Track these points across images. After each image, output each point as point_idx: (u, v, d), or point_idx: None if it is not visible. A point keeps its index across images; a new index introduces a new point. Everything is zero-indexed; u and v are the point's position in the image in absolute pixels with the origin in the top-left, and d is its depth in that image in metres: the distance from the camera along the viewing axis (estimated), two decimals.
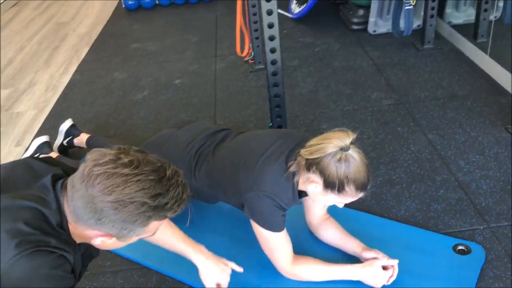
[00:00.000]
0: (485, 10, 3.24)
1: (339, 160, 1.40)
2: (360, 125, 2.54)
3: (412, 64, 3.14)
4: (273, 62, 2.09)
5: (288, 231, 1.62)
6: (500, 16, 3.39)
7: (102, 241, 1.10)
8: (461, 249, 1.75)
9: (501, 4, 3.40)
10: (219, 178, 1.68)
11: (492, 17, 3.28)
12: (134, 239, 1.12)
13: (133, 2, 4.74)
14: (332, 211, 1.75)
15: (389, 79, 2.98)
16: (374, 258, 1.64)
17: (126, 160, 1.03)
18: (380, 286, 1.61)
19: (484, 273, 1.66)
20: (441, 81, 2.91)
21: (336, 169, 1.40)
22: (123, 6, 4.79)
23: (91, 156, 1.05)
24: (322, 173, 1.43)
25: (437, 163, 2.21)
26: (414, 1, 3.21)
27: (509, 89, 2.70)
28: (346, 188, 1.42)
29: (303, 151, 1.49)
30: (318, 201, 1.60)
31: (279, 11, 4.09)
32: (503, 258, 1.71)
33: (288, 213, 1.60)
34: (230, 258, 1.61)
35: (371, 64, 3.19)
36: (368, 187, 1.47)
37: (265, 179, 1.54)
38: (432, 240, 1.81)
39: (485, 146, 2.29)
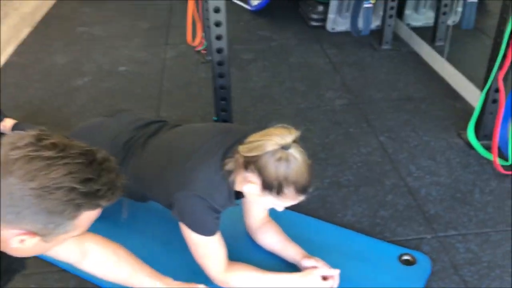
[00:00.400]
0: (444, 14, 3.20)
1: (279, 159, 1.26)
2: (312, 124, 2.42)
3: (369, 64, 3.05)
4: (219, 51, 1.93)
5: (222, 234, 1.48)
6: (459, 21, 3.36)
7: (21, 240, 0.89)
8: (406, 259, 1.64)
9: (460, 9, 3.37)
10: (146, 174, 1.51)
11: (450, 22, 3.24)
12: (61, 238, 0.94)
13: None
14: (273, 213, 1.62)
15: (344, 78, 2.88)
16: (314, 266, 1.51)
17: (48, 142, 0.88)
18: None
19: (428, 285, 1.56)
20: (397, 82, 2.83)
21: (275, 169, 1.26)
22: None
23: (6, 139, 0.88)
24: (260, 172, 1.29)
25: (387, 167, 2.11)
26: (374, 0, 3.13)
27: (464, 95, 2.64)
28: (285, 190, 1.29)
29: (241, 148, 1.34)
30: (256, 203, 1.46)
31: (237, 1, 3.97)
32: (449, 269, 1.62)
33: (224, 215, 1.45)
34: (161, 264, 1.46)
35: (327, 62, 3.08)
36: (310, 190, 1.34)
37: (197, 177, 1.38)
38: (377, 248, 1.70)
39: (437, 152, 2.21)
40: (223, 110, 2.12)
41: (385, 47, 3.23)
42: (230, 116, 2.14)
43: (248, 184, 1.33)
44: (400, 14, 3.43)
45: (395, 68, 2.99)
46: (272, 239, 1.65)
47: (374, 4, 3.13)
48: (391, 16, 3.14)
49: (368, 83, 2.82)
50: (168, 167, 1.45)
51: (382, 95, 2.69)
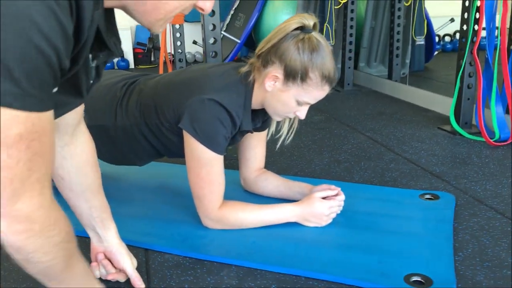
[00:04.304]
0: (397, 64, 3.46)
1: (302, 40, 1.23)
2: (296, 131, 2.39)
3: (336, 98, 3.16)
4: None
5: None
6: (409, 67, 3.64)
7: None
8: (428, 198, 1.56)
9: (407, 61, 3.68)
10: (153, 101, 1.37)
11: (401, 73, 3.51)
12: None
13: None
14: None
15: (316, 105, 2.93)
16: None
17: None
18: (325, 223, 1.36)
19: (458, 213, 1.47)
20: (366, 105, 2.93)
21: (298, 50, 1.22)
22: None
23: None
24: (282, 59, 1.24)
25: (381, 149, 2.09)
26: (333, 41, 3.35)
27: (433, 108, 2.76)
28: (311, 75, 1.23)
29: (256, 51, 1.31)
30: (276, 107, 1.32)
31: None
32: (474, 202, 1.54)
33: None
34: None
35: None
36: (334, 82, 1.28)
37: (210, 80, 1.30)
38: (396, 193, 1.61)
39: (424, 138, 2.23)
40: None
41: (347, 88, 3.39)
42: None
43: (270, 80, 1.27)
44: (354, 66, 3.68)
45: (361, 99, 3.11)
46: (276, 182, 1.55)
47: (333, 45, 3.35)
48: (350, 59, 3.35)
49: (339, 107, 2.89)
50: (179, 84, 1.35)
51: (355, 113, 2.75)
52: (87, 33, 0.69)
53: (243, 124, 1.35)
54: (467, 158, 1.95)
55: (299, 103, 1.29)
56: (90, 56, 0.77)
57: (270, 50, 1.26)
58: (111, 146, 1.49)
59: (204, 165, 1.29)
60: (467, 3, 2.14)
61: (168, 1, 0.75)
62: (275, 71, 1.25)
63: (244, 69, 1.32)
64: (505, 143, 2.09)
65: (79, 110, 0.98)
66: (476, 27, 2.12)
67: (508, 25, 2.13)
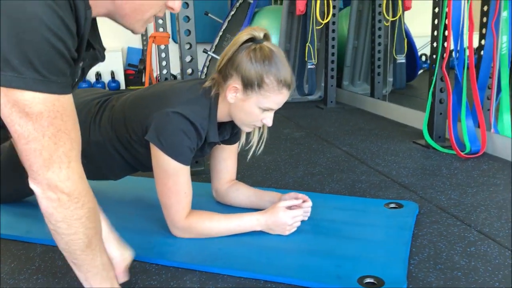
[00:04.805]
0: (379, 82, 3.54)
1: (254, 50, 1.29)
2: (275, 146, 2.46)
3: (318, 115, 3.23)
4: None
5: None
6: (392, 85, 3.72)
7: None
8: (393, 207, 1.61)
9: (390, 79, 3.77)
10: (123, 115, 1.43)
11: (384, 91, 3.59)
12: None
13: None
14: None
15: (298, 123, 3.01)
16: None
17: None
18: (288, 232, 1.41)
19: (420, 220, 1.52)
20: (347, 122, 3.00)
21: (250, 59, 1.29)
22: None
23: None
24: (238, 70, 1.30)
25: (355, 162, 2.15)
26: (316, 60, 3.44)
27: (411, 123, 2.83)
28: (266, 81, 1.29)
29: (216, 67, 1.38)
30: (242, 117, 1.37)
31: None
32: (436, 210, 1.59)
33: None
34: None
35: (278, 116, 3.22)
36: (292, 85, 1.34)
37: (175, 94, 1.36)
38: (362, 203, 1.66)
39: (398, 152, 2.29)
40: None
41: (330, 106, 3.47)
42: None
43: (231, 92, 1.33)
44: (338, 85, 3.76)
45: (343, 117, 3.18)
46: (247, 192, 1.60)
47: (316, 64, 3.43)
48: (332, 77, 3.44)
49: (321, 124, 2.96)
50: (146, 101, 1.41)
51: (335, 129, 2.81)
52: (84, 28, 0.85)
53: (210, 136, 1.41)
54: (437, 170, 2.01)
55: (262, 110, 1.35)
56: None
57: (227, 64, 1.33)
58: (86, 162, 1.54)
59: (171, 175, 1.35)
60: (436, 21, 2.23)
61: (142, 2, 0.90)
62: (234, 83, 1.32)
63: (207, 84, 1.38)
64: (476, 155, 2.15)
65: None
66: (445, 44, 2.20)
67: (476, 44, 2.21)
